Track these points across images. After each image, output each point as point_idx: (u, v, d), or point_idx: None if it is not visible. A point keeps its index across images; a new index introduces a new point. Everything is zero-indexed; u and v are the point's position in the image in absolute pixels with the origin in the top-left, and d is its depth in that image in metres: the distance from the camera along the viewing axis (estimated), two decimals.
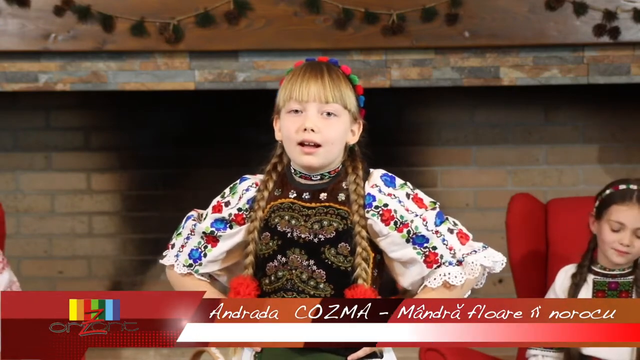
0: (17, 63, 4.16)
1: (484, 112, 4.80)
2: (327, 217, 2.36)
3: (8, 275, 3.31)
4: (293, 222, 2.36)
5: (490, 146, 4.80)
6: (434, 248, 2.38)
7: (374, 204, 2.37)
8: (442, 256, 2.38)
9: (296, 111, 2.36)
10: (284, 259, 2.36)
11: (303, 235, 2.35)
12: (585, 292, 3.21)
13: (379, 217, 2.36)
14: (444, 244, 2.38)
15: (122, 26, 4.11)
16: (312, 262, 2.35)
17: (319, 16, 4.13)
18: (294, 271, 2.35)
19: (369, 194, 2.38)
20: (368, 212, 2.36)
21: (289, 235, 2.36)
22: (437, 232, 2.38)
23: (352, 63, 4.16)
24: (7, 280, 3.30)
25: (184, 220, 2.49)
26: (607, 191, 3.22)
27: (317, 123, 2.34)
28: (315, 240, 2.35)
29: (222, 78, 4.20)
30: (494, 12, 4.15)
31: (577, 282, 3.20)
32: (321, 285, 2.35)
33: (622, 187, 3.20)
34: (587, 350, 3.17)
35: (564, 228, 3.36)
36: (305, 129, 2.34)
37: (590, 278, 3.22)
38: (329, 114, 2.35)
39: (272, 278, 2.37)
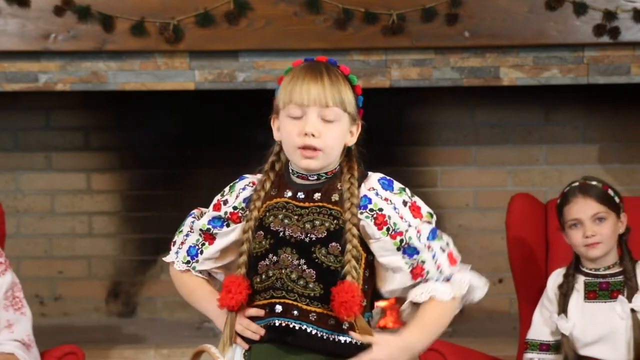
0: (17, 63, 4.16)
1: (484, 112, 4.80)
2: (320, 217, 2.35)
3: (10, 277, 3.31)
4: (286, 221, 2.35)
5: (490, 146, 4.80)
6: (423, 262, 2.35)
7: (369, 206, 2.35)
8: (428, 272, 2.35)
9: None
10: (275, 258, 2.35)
11: (294, 235, 2.34)
12: (576, 296, 3.21)
13: (373, 220, 2.34)
14: (433, 259, 2.35)
15: (122, 26, 4.11)
16: (302, 261, 2.33)
17: (319, 16, 4.13)
18: (283, 270, 2.34)
19: (365, 196, 2.36)
20: (362, 213, 2.35)
21: (280, 234, 2.35)
22: (429, 246, 2.35)
23: (352, 63, 4.16)
24: (10, 282, 3.30)
25: (186, 218, 2.51)
26: (558, 201, 3.26)
27: (317, 127, 2.32)
28: (307, 239, 2.33)
29: (222, 78, 4.20)
30: (494, 12, 4.15)
31: (564, 292, 3.21)
32: (310, 285, 2.33)
33: (565, 189, 3.25)
34: (583, 351, 3.17)
35: None
36: (306, 134, 2.32)
37: (581, 280, 3.22)
38: (328, 120, 2.34)
39: (263, 277, 2.36)
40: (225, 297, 2.36)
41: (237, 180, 2.47)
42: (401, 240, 2.34)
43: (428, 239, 2.35)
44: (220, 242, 2.43)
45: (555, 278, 3.27)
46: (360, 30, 4.14)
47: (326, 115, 2.33)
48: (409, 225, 2.34)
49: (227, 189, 2.46)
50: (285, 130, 2.36)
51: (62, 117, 4.79)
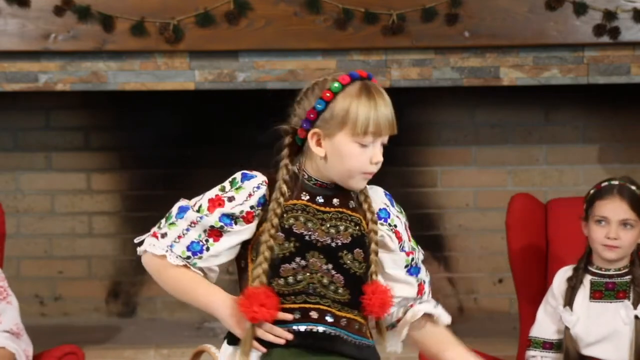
0: (17, 63, 4.16)
1: (484, 112, 4.80)
2: (342, 223, 2.34)
3: None
4: (309, 224, 2.33)
5: (490, 146, 4.80)
6: (424, 281, 2.46)
7: (389, 220, 2.40)
8: (426, 292, 2.46)
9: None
10: (303, 262, 2.31)
11: (320, 239, 2.32)
12: (582, 294, 3.21)
13: (394, 234, 2.40)
14: (429, 283, 2.49)
15: (122, 26, 4.11)
16: (330, 266, 2.32)
17: (319, 16, 4.13)
18: (314, 275, 2.31)
19: (384, 209, 2.40)
20: (383, 225, 2.39)
21: (306, 237, 2.32)
22: (426, 270, 2.49)
23: (352, 63, 4.16)
24: None
25: (176, 210, 2.39)
26: (591, 191, 3.24)
27: (381, 155, 2.36)
28: (333, 244, 2.32)
29: (222, 78, 4.20)
30: (494, 12, 4.15)
31: (573, 285, 3.21)
32: (340, 290, 2.33)
33: (604, 184, 3.22)
34: (586, 351, 3.17)
35: (564, 228, 3.36)
36: (376, 163, 2.34)
37: (588, 279, 3.22)
38: (384, 144, 2.37)
39: (290, 280, 2.31)
40: (260, 311, 2.26)
41: (237, 176, 2.38)
42: (412, 259, 2.42)
43: (421, 262, 2.48)
44: (228, 241, 2.35)
45: (563, 274, 3.26)
46: (360, 30, 4.14)
47: (386, 141, 2.37)
48: (410, 246, 2.44)
49: (227, 185, 2.38)
50: (349, 153, 2.32)
51: (62, 117, 4.79)
